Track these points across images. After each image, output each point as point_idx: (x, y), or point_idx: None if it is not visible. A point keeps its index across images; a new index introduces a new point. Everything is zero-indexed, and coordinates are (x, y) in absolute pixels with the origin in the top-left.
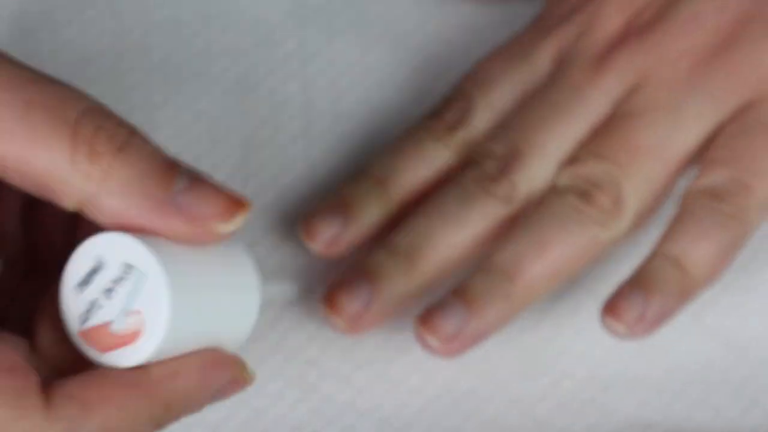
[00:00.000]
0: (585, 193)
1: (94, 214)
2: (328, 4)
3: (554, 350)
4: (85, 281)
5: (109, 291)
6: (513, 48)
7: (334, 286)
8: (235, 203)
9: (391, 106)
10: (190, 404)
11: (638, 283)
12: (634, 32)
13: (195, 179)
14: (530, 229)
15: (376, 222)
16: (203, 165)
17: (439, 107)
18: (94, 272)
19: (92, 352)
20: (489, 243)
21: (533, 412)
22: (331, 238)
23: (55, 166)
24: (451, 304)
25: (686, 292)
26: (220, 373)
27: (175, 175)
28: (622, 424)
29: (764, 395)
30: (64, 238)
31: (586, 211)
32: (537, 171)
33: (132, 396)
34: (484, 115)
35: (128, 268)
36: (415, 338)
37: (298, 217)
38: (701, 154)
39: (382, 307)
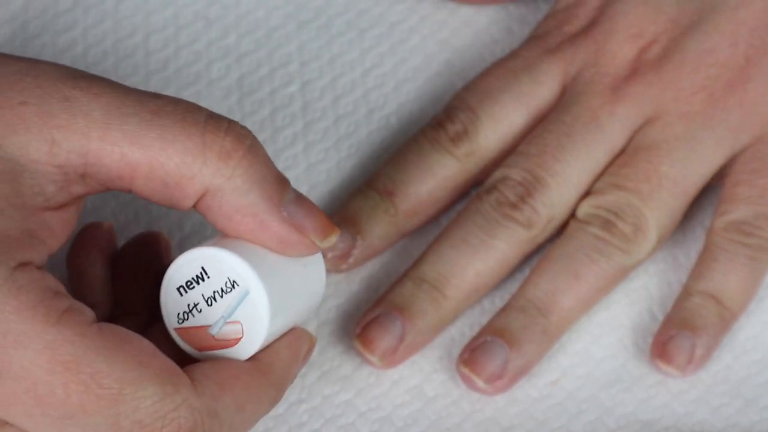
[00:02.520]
0: (607, 222)
1: (211, 209)
2: (328, 6)
3: (553, 350)
4: (188, 286)
5: (210, 299)
6: (515, 62)
7: (366, 323)
8: (330, 224)
9: (391, 106)
10: (290, 376)
11: (683, 324)
12: (647, 65)
13: (300, 194)
14: (559, 263)
15: (384, 235)
16: None
17: (441, 118)
18: (197, 280)
19: (188, 348)
20: (513, 267)
21: (532, 411)
22: (340, 253)
23: (185, 164)
24: (492, 345)
25: (726, 325)
26: (301, 345)
27: (287, 185)
28: (621, 423)
29: (761, 394)
30: (150, 285)
31: (610, 240)
32: (558, 197)
33: (254, 377)
34: (487, 128)
35: (232, 283)
36: (461, 379)
37: None
38: (714, 180)
39: (415, 340)
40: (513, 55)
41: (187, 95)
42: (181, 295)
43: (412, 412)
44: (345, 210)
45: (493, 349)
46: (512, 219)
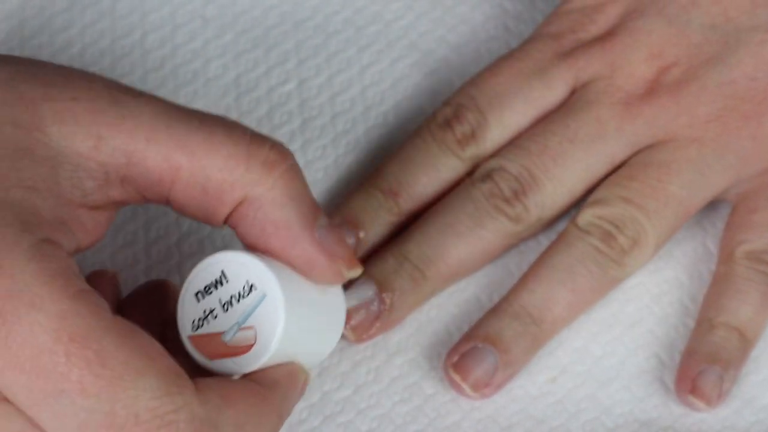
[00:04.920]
0: (608, 234)
1: (246, 219)
2: (325, 4)
3: (551, 346)
4: (206, 290)
5: (227, 304)
6: (526, 63)
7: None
8: (356, 259)
9: (387, 103)
10: (289, 405)
11: (711, 358)
12: (664, 87)
13: (331, 222)
14: (558, 272)
15: (386, 235)
16: None
17: (449, 116)
18: (216, 284)
19: (200, 357)
20: (494, 257)
21: (531, 409)
22: None
23: (228, 168)
24: (484, 352)
25: (747, 355)
26: (299, 376)
27: (320, 211)
28: (619, 422)
29: (758, 394)
30: (156, 332)
31: (607, 252)
32: (551, 200)
33: (257, 399)
34: (495, 132)
35: (250, 286)
36: (448, 382)
37: None
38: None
39: (391, 317)
40: (523, 53)
41: (184, 93)
42: (199, 300)
43: (411, 410)
44: (347, 209)
45: (485, 356)
46: (502, 213)
